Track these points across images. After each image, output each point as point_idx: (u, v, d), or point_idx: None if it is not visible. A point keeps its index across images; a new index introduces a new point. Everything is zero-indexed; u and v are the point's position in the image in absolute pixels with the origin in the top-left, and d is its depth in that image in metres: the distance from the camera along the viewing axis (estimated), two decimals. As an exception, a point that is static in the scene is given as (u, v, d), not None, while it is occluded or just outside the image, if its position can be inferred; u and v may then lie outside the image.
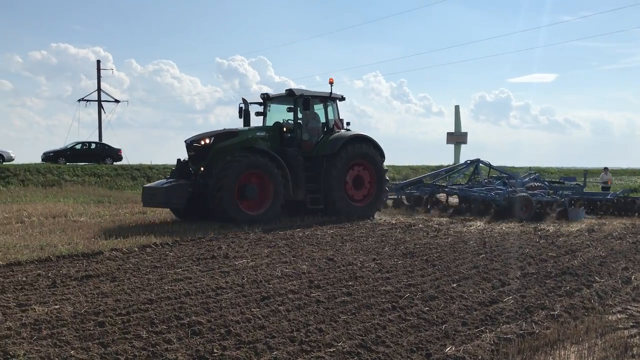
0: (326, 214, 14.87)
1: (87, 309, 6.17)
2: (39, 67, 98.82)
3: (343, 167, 15.11)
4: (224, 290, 7.13)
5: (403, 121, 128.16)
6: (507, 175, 20.47)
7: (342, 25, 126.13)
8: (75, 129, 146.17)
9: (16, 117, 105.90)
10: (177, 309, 6.21)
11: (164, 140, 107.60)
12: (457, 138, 51.48)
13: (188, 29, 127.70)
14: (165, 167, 32.71)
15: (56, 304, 6.40)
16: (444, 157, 71.03)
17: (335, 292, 7.07)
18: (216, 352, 4.93)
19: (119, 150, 39.44)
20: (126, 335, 5.35)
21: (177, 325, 5.69)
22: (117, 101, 52.18)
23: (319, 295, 6.93)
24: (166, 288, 7.21)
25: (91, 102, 50.68)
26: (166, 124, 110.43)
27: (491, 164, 20.85)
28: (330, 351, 5.02)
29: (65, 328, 5.53)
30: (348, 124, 16.22)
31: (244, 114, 15.60)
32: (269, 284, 7.48)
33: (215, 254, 9.59)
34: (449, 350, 5.19)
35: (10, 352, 4.84)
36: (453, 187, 18.96)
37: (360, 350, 5.07)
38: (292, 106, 15.50)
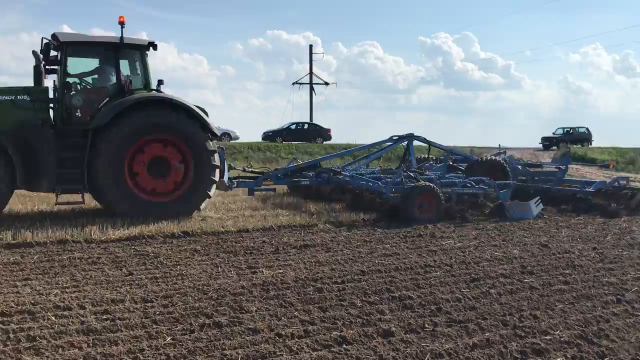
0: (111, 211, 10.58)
1: (306, 275, 6.70)
2: (257, 53, 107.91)
3: (123, 145, 10.33)
4: (432, 269, 7.20)
5: (628, 98, 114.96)
6: (461, 156, 15.83)
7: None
8: (288, 110, 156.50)
9: (239, 100, 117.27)
10: (388, 282, 6.44)
11: (368, 120, 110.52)
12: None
13: (391, 9, 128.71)
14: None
15: (280, 269, 7.06)
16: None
17: (550, 280, 6.72)
18: (427, 328, 5.03)
19: (328, 130, 41.50)
20: (342, 303, 5.71)
21: (389, 297, 5.91)
22: (326, 83, 54.87)
23: (532, 281, 6.64)
24: (376, 262, 7.51)
25: (303, 85, 53.99)
26: (370, 105, 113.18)
27: (432, 141, 15.04)
28: (546, 339, 4.81)
29: (289, 291, 6.08)
30: (160, 82, 11.48)
31: (35, 71, 10.50)
32: (479, 266, 7.37)
33: (422, 233, 9.72)
34: (688, 353, 4.64)
35: (245, 308, 5.48)
36: (346, 174, 12.68)
37: (580, 342, 4.77)
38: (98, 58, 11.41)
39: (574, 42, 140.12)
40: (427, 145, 15.53)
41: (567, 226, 10.75)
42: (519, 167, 15.11)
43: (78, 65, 11.21)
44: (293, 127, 41.44)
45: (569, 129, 43.55)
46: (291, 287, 6.23)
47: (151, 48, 11.31)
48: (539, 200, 11.90)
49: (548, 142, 42.38)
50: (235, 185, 12.20)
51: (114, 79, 11.03)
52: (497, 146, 20.18)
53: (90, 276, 6.58)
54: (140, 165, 10.58)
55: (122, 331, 4.79)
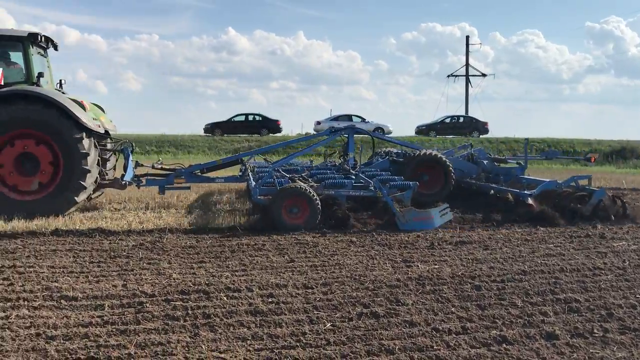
0: None
1: (463, 272, 6.57)
2: (410, 46, 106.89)
3: None
4: (602, 271, 6.70)
5: None
6: (412, 148, 13.69)
7: None
8: (442, 103, 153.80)
9: (391, 94, 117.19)
10: (552, 284, 6.11)
11: (529, 112, 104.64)
12: None
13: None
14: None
15: (435, 264, 7.01)
16: None
17: None
18: (597, 333, 4.71)
19: (485, 123, 40.04)
20: (502, 302, 5.53)
21: (553, 299, 5.61)
22: (483, 75, 53.15)
23: None
24: (539, 261, 7.16)
25: (459, 77, 52.65)
26: (530, 96, 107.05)
27: (377, 133, 13.48)
28: None
29: (445, 286, 6.01)
30: (40, 75, 10.70)
31: None
32: (657, 271, 6.72)
33: (590, 233, 9.08)
34: None
35: (401, 300, 5.53)
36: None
37: None
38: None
39: None
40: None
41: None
42: (485, 161, 13.13)
43: None
44: (448, 120, 40.59)
45: None
46: (447, 283, 6.16)
47: (54, 46, 11.38)
48: (446, 209, 9.63)
49: None
50: (144, 183, 11.26)
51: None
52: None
53: (256, 261, 7.05)
54: (5, 159, 10.01)
55: (285, 314, 5.09)
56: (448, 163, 11.93)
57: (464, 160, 13.21)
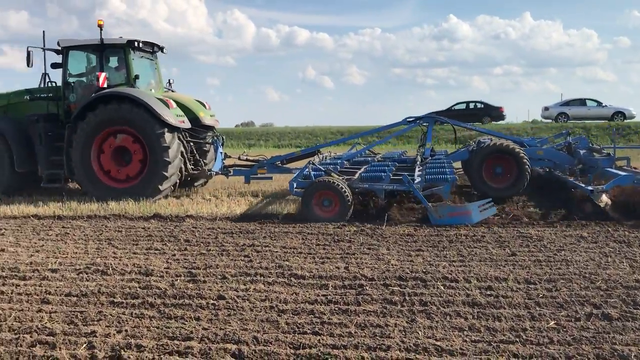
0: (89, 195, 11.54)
1: None
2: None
3: (89, 134, 11.44)
4: None
5: None
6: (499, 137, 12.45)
7: None
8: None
9: (634, 74, 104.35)
10: None
11: None
12: None
13: None
14: None
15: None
16: None
17: None
18: None
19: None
20: None
21: None
22: None
23: None
24: None
25: None
26: None
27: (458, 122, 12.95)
28: None
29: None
30: (136, 77, 11.97)
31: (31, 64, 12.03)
32: None
33: None
34: None
35: (639, 303, 4.96)
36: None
37: None
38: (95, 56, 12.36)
39: None
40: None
41: None
42: (582, 152, 11.45)
43: (79, 65, 12.57)
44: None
45: None
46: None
47: (161, 50, 12.86)
48: (488, 204, 8.93)
49: None
50: (232, 173, 12.21)
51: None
52: None
53: (475, 253, 6.90)
54: (105, 152, 11.56)
55: (504, 308, 4.91)
56: (521, 154, 10.53)
57: (557, 151, 11.74)
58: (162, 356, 4.04)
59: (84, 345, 4.20)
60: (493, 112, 35.96)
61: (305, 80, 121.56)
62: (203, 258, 6.82)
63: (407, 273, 5.98)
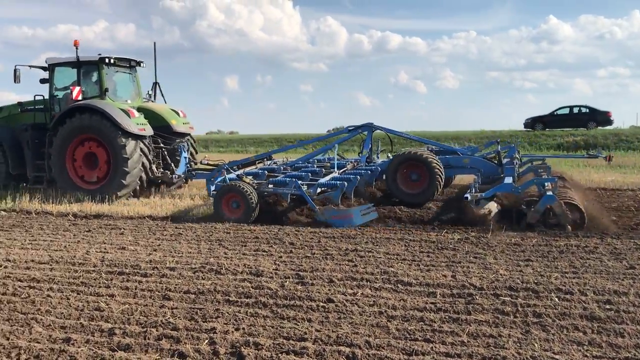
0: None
1: None
2: None
3: (65, 141, 12.89)
4: None
5: None
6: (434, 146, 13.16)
7: None
8: None
9: None
10: None
11: None
12: None
13: None
14: None
15: None
16: None
17: None
18: None
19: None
20: None
21: None
22: None
23: None
24: None
25: None
26: None
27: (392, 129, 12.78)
28: None
29: None
30: (106, 91, 13.21)
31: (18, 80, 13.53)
32: None
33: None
34: None
35: None
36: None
37: None
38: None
39: None
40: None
41: None
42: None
43: (64, 80, 13.80)
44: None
45: None
46: None
47: (138, 64, 14.03)
48: (369, 209, 9.78)
49: None
50: (195, 176, 12.94)
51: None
52: None
53: (588, 264, 6.60)
54: (77, 156, 12.91)
55: (627, 324, 4.68)
56: (434, 162, 10.94)
57: (483, 159, 11.96)
58: (279, 355, 4.19)
59: (206, 341, 4.45)
60: (599, 117, 33.97)
61: (397, 85, 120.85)
62: (309, 261, 6.99)
63: (518, 283, 5.83)
